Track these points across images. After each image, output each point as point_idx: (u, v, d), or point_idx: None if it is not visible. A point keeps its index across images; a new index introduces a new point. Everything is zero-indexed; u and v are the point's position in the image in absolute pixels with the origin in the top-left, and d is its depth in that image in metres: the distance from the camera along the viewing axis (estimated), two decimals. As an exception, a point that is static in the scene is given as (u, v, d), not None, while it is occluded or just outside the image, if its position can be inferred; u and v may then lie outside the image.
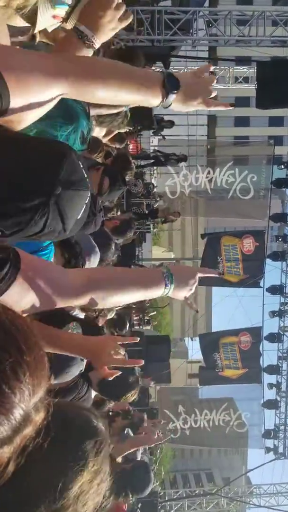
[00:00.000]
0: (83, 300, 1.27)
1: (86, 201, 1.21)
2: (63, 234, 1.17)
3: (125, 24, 1.51)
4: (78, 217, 1.19)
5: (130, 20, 1.51)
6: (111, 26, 1.47)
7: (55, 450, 0.90)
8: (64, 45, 1.54)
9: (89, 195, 1.22)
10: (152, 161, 13.54)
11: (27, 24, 1.58)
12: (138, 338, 2.12)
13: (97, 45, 1.50)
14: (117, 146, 4.40)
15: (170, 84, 1.36)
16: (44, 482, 0.90)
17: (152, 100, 1.38)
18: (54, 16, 1.59)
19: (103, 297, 1.31)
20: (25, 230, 1.09)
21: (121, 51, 4.31)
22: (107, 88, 1.27)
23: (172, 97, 1.38)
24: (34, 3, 0.69)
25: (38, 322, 1.67)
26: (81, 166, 1.19)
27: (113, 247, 3.12)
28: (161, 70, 1.45)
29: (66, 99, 1.60)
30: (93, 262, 2.36)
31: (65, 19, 1.59)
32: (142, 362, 1.88)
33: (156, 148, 13.70)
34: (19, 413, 0.74)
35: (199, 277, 1.56)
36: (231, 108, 1.61)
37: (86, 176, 1.20)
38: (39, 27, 1.57)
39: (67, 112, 1.65)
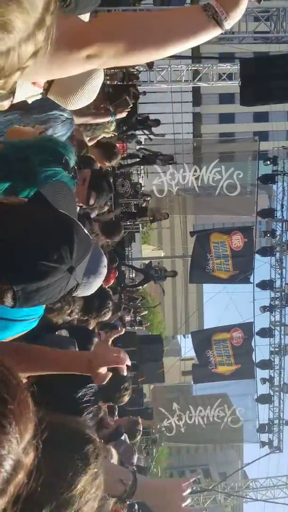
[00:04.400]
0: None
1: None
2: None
3: None
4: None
5: None
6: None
7: (59, 450, 0.96)
8: None
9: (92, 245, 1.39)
10: (138, 159, 13.55)
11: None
12: (123, 330, 2.21)
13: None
14: (107, 163, 4.23)
15: None
16: (52, 474, 0.92)
17: None
18: (33, 83, 1.56)
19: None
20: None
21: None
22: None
23: None
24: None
25: (25, 344, 1.69)
26: (85, 231, 1.35)
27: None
28: None
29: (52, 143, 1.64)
30: (90, 285, 2.27)
31: (46, 89, 1.55)
32: (129, 363, 1.89)
33: (142, 146, 13.69)
34: (9, 464, 0.74)
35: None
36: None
37: (89, 236, 1.37)
38: (18, 97, 1.55)
39: (56, 155, 1.68)
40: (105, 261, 2.32)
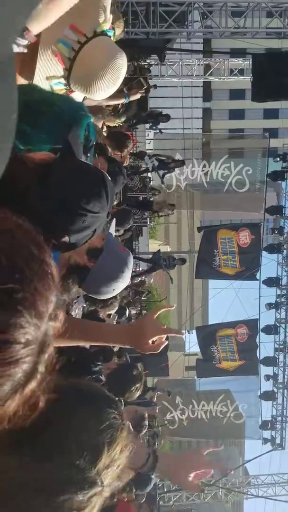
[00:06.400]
0: None
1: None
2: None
3: None
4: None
5: None
6: None
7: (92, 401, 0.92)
8: None
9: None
10: (150, 171, 13.54)
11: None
12: (174, 306, 2.23)
13: None
14: (118, 153, 4.21)
15: None
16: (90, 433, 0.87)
17: None
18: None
19: None
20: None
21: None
22: None
23: None
24: None
25: (76, 318, 1.76)
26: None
27: None
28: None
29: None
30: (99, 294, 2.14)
31: (67, 73, 1.67)
32: (184, 332, 1.97)
33: (154, 154, 13.52)
34: (30, 338, 0.66)
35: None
36: None
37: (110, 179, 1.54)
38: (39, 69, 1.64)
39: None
40: (125, 270, 1.93)
